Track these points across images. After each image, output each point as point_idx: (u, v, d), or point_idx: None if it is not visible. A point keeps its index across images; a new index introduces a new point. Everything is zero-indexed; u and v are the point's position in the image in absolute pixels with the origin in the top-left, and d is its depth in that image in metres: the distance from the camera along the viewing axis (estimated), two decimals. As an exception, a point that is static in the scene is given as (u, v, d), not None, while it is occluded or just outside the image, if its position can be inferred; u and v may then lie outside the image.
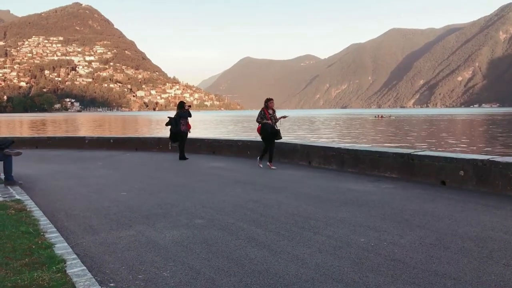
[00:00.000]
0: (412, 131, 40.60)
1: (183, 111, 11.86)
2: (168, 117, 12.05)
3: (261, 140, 10.09)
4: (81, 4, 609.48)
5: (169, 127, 11.98)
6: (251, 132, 41.74)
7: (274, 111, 9.93)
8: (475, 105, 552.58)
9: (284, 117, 10.22)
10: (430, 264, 3.52)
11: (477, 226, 4.63)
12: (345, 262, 3.57)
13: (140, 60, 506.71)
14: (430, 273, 3.33)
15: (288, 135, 36.94)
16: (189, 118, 12.04)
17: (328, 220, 4.97)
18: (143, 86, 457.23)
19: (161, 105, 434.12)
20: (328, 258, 3.67)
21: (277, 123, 9.84)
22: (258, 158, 10.02)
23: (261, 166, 9.77)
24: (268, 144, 9.76)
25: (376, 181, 7.72)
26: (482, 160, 6.73)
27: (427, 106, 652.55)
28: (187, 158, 11.64)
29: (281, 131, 9.93)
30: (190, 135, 12.37)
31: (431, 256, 3.70)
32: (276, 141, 9.92)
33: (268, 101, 9.91)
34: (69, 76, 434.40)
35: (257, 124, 9.91)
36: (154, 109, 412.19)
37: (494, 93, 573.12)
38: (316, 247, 3.97)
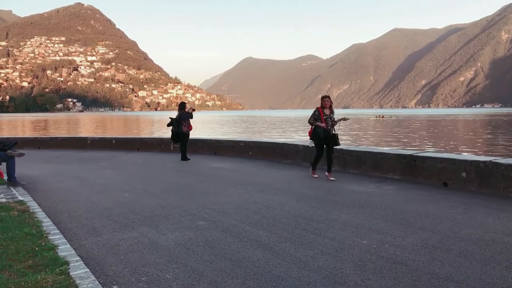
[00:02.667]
0: (414, 132, 40.55)
1: (185, 112, 11.84)
2: (170, 117, 12.03)
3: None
4: (83, 4, 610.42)
5: (171, 127, 11.98)
6: (252, 133, 41.76)
7: (332, 112, 8.34)
8: (477, 105, 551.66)
9: (345, 119, 8.70)
10: (433, 266, 3.52)
11: (479, 228, 4.63)
12: (347, 265, 3.58)
13: (142, 60, 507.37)
14: (433, 275, 3.33)
15: (290, 136, 36.95)
16: (190, 119, 12.03)
17: (330, 222, 4.98)
18: (145, 86, 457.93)
19: (163, 105, 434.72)
20: (330, 261, 3.68)
21: (334, 127, 8.33)
22: (311, 168, 8.66)
23: (316, 176, 8.39)
24: (321, 151, 8.32)
25: (378, 182, 7.72)
26: (484, 162, 6.73)
27: (429, 106, 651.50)
28: (189, 159, 11.62)
29: (331, 134, 8.26)
30: (191, 136, 12.37)
31: (433, 259, 3.70)
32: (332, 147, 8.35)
33: (324, 99, 8.37)
34: (71, 76, 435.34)
35: (309, 126, 8.46)
36: (156, 109, 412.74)
37: (496, 93, 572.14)
38: (318, 249, 3.98)
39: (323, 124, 8.09)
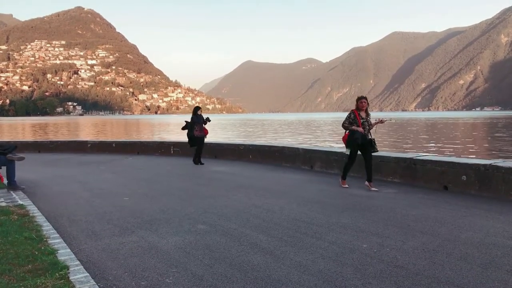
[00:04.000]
0: (414, 135, 40.55)
1: (198, 116, 11.65)
2: (185, 121, 11.80)
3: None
4: (84, 8, 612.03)
5: (186, 131, 11.76)
6: (252, 136, 41.78)
7: (368, 115, 7.58)
8: (477, 109, 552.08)
9: (382, 121, 7.69)
10: (433, 270, 3.51)
11: (479, 232, 4.62)
12: (347, 269, 3.57)
13: (142, 64, 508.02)
14: (433, 279, 3.32)
15: (290, 139, 36.94)
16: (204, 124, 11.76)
17: (331, 225, 4.97)
18: (145, 89, 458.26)
19: (163, 108, 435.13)
20: (331, 265, 3.67)
21: (371, 131, 7.53)
22: (340, 177, 7.81)
23: (347, 186, 7.60)
24: (354, 158, 7.53)
25: (378, 185, 7.70)
26: (484, 165, 6.73)
27: (429, 110, 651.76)
28: (202, 164, 11.44)
29: (368, 139, 7.39)
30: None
31: (434, 263, 3.69)
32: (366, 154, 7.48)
33: (360, 100, 7.52)
34: (71, 79, 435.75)
35: (344, 130, 7.62)
36: (156, 113, 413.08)
37: (496, 97, 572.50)
38: (318, 253, 3.97)
39: (360, 129, 7.27)
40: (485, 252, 3.96)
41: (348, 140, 7.41)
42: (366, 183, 7.46)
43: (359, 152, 7.53)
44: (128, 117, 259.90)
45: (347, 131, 7.49)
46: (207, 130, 11.89)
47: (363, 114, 7.48)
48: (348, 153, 7.54)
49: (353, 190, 7.31)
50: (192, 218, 5.39)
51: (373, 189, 7.29)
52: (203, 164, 11.45)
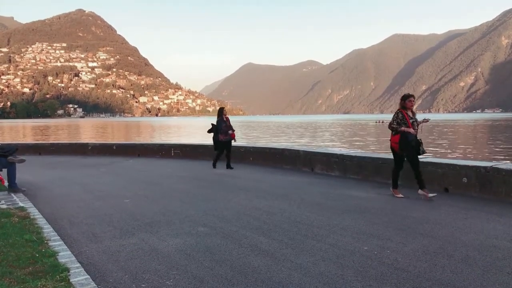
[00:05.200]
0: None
1: (223, 119, 10.90)
2: (212, 123, 11.09)
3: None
4: (85, 11, 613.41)
5: (212, 134, 11.16)
6: (253, 138, 41.76)
7: (414, 114, 6.91)
8: (477, 111, 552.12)
9: (426, 120, 7.09)
10: (434, 272, 3.51)
11: (480, 234, 4.61)
12: (348, 271, 3.57)
13: (142, 66, 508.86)
14: (434, 282, 3.32)
15: (290, 141, 36.94)
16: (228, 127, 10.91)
17: (331, 227, 4.97)
18: (146, 92, 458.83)
19: (164, 111, 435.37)
20: (332, 267, 3.67)
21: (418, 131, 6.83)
22: (391, 186, 7.03)
23: (401, 196, 6.80)
24: (401, 162, 6.88)
25: (379, 187, 7.71)
26: (485, 167, 6.72)
27: (430, 112, 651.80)
28: (232, 168, 10.81)
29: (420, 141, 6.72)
30: (192, 141, 12.28)
31: (434, 265, 3.69)
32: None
33: (407, 98, 6.79)
34: (72, 82, 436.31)
35: (390, 132, 6.93)
36: (157, 115, 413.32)
37: (497, 99, 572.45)
38: (319, 256, 3.97)
39: (412, 130, 6.61)
40: (486, 254, 3.96)
41: (402, 143, 6.67)
42: (420, 191, 6.65)
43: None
44: (129, 119, 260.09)
45: (396, 133, 6.75)
46: (234, 134, 11.02)
47: (410, 113, 6.82)
48: (393, 154, 6.97)
49: (354, 192, 7.30)
50: (192, 220, 5.39)
51: (430, 195, 6.50)
52: (232, 168, 10.78)
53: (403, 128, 6.63)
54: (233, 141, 11.07)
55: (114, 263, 3.84)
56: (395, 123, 6.73)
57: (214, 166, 11.11)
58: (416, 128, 6.77)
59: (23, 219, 5.17)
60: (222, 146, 10.96)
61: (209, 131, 11.23)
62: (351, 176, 9.08)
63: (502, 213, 5.58)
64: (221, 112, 11.07)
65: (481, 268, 3.59)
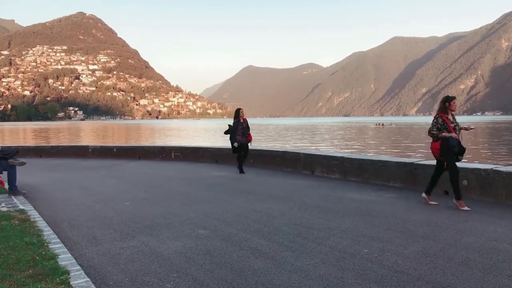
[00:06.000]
0: (415, 140, 40.53)
1: (240, 120, 10.62)
2: (229, 124, 10.81)
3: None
4: (85, 14, 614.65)
5: (228, 135, 10.82)
6: (254, 140, 41.72)
7: (454, 117, 6.44)
8: (477, 113, 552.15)
9: (470, 128, 6.74)
10: (434, 275, 3.51)
11: (481, 237, 4.61)
12: (348, 274, 3.56)
13: (143, 69, 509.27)
14: (434, 284, 3.32)
15: (291, 144, 36.93)
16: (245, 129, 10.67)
17: (331, 230, 4.97)
18: (146, 94, 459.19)
19: (164, 113, 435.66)
20: (332, 270, 3.67)
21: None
22: (425, 192, 6.60)
23: (435, 203, 6.41)
24: (442, 168, 6.37)
25: (379, 190, 7.71)
26: (485, 170, 6.72)
27: (430, 114, 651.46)
28: (243, 172, 10.47)
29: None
30: (194, 144, 12.24)
31: (435, 268, 3.69)
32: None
33: (451, 100, 6.30)
34: (72, 84, 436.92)
35: (430, 139, 6.45)
36: (157, 118, 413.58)
37: (497, 101, 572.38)
38: (319, 258, 3.97)
39: (454, 134, 6.14)
40: (486, 257, 3.95)
41: (444, 149, 6.15)
42: (455, 201, 6.19)
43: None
44: (129, 122, 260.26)
45: (437, 140, 6.27)
46: (251, 136, 10.78)
47: (450, 117, 6.33)
48: (437, 161, 6.44)
49: (354, 195, 7.30)
50: (192, 223, 5.39)
51: (464, 208, 6.00)
52: (244, 173, 10.46)
53: (444, 134, 6.17)
54: (249, 144, 10.81)
55: (114, 265, 3.84)
56: (435, 129, 6.25)
57: (241, 171, 10.57)
58: (458, 132, 6.28)
59: (23, 222, 5.17)
60: (238, 149, 10.64)
61: (226, 132, 10.94)
62: (351, 178, 9.08)
63: (502, 216, 5.57)
64: (237, 114, 10.77)
65: (482, 271, 3.59)
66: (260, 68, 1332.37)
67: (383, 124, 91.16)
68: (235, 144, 10.61)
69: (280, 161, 11.34)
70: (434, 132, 6.26)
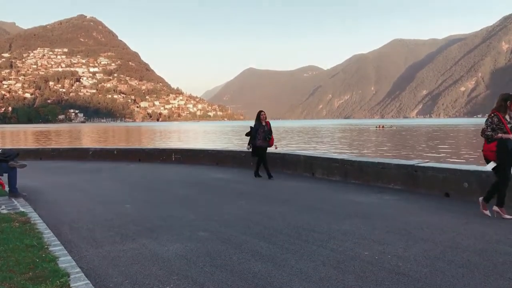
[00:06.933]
0: (415, 142, 40.51)
1: (261, 123, 10.21)
2: (250, 126, 10.40)
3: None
4: (86, 16, 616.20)
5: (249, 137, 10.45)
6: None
7: (511, 117, 5.72)
8: (478, 115, 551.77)
9: None
10: (435, 278, 3.50)
11: (481, 239, 4.60)
12: (349, 276, 3.56)
13: (143, 71, 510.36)
14: (435, 287, 3.31)
15: (291, 146, 36.92)
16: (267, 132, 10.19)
17: (332, 232, 4.96)
18: (147, 97, 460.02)
19: (165, 115, 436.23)
20: (332, 272, 3.66)
21: None
22: (482, 199, 5.89)
23: (509, 217, 5.56)
24: (510, 173, 5.60)
25: (380, 192, 7.71)
26: (486, 172, 6.70)
27: (430, 116, 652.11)
28: (260, 176, 10.15)
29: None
30: (194, 146, 12.21)
31: (435, 270, 3.68)
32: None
33: (508, 100, 5.64)
34: (73, 87, 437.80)
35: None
36: (158, 120, 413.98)
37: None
38: (320, 261, 3.96)
39: (511, 135, 5.50)
40: (487, 259, 3.94)
41: (500, 151, 5.50)
42: (496, 208, 5.68)
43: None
44: (130, 124, 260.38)
45: (491, 141, 5.62)
46: (273, 140, 10.33)
47: (507, 117, 5.67)
48: (497, 164, 5.60)
49: (355, 197, 7.29)
50: (193, 225, 5.38)
51: (507, 216, 5.55)
52: (260, 176, 10.12)
53: (500, 135, 5.50)
54: (272, 147, 10.45)
55: (115, 268, 3.83)
56: (489, 129, 5.59)
57: (256, 174, 10.27)
58: None
59: (23, 224, 5.16)
60: (258, 152, 10.22)
61: (247, 134, 10.59)
62: (352, 181, 9.07)
63: (503, 218, 5.56)
64: (258, 116, 10.31)
65: (482, 273, 3.58)
66: (261, 70, 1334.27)
67: (383, 127, 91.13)
68: (247, 147, 10.53)
69: (280, 163, 11.33)
70: (488, 133, 5.60)
